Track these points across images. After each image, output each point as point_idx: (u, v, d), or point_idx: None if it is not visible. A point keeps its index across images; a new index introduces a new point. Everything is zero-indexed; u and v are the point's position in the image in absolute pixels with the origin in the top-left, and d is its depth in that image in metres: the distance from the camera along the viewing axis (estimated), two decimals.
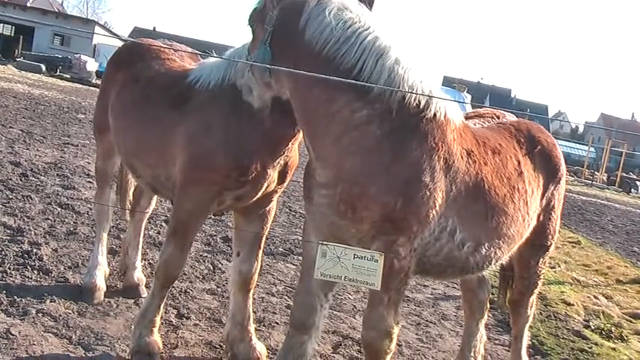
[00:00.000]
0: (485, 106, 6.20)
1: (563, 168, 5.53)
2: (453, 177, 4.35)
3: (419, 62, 4.46)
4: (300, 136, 5.04)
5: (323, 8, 4.27)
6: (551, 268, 11.97)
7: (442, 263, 4.54)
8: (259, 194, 5.30)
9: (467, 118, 5.59)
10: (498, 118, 5.58)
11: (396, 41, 4.36)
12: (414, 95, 4.25)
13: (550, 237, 5.56)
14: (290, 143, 5.11)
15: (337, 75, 4.16)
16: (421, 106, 4.30)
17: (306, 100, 4.38)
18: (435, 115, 4.34)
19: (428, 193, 4.19)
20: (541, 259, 5.63)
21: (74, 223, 8.91)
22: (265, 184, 5.23)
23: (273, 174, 5.22)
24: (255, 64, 4.56)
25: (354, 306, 7.85)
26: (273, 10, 4.45)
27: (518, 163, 4.98)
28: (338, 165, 4.26)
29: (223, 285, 7.58)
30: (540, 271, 5.70)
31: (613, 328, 8.81)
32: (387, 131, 4.20)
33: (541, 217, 5.35)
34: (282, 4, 4.43)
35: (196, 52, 6.46)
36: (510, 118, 5.64)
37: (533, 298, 5.85)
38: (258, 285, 6.43)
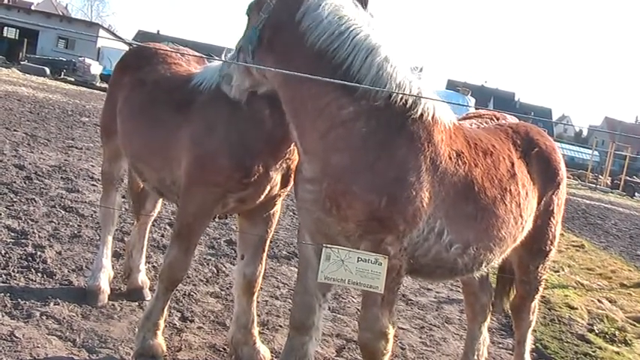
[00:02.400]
0: (489, 110, 6.20)
1: (562, 172, 5.50)
2: (441, 177, 4.36)
3: (410, 61, 4.51)
4: None
5: (321, 3, 4.33)
6: (555, 271, 11.95)
7: (431, 264, 4.56)
8: (262, 197, 5.31)
9: (465, 118, 5.61)
10: (498, 119, 5.56)
11: (388, 40, 4.41)
12: (400, 94, 4.28)
13: (549, 242, 5.53)
14: (293, 145, 5.13)
15: (327, 69, 4.23)
16: (408, 105, 4.32)
17: (295, 93, 4.42)
18: (422, 115, 4.36)
19: (413, 193, 4.21)
20: (541, 264, 5.61)
21: (78, 226, 8.92)
22: (268, 187, 5.24)
23: (276, 177, 5.23)
24: (253, 66, 4.58)
25: (358, 309, 7.82)
26: (271, 0, 4.50)
27: (512, 165, 4.96)
28: (324, 160, 4.29)
29: (227, 288, 7.58)
30: (541, 276, 5.68)
31: (617, 332, 8.80)
32: (373, 129, 4.24)
33: (539, 221, 5.33)
34: None
35: (202, 55, 6.47)
36: (511, 120, 5.63)
37: (535, 303, 5.84)
38: (261, 288, 6.44)
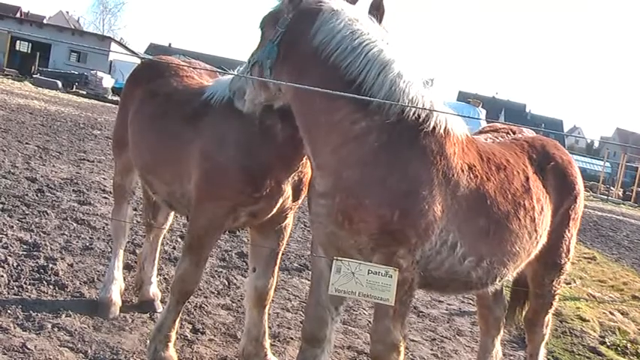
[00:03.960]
0: (500, 122, 6.19)
1: (579, 186, 5.44)
2: (453, 191, 4.35)
3: (423, 76, 4.52)
4: None
5: (336, 17, 4.35)
6: (567, 283, 11.89)
7: (444, 277, 4.54)
8: (274, 210, 5.32)
9: (481, 132, 5.60)
10: (514, 133, 5.55)
11: (400, 55, 4.42)
12: (413, 108, 4.29)
13: (564, 255, 5.48)
14: (304, 159, 5.14)
15: (340, 83, 4.24)
16: (420, 119, 4.32)
17: (307, 107, 4.44)
18: (434, 128, 4.36)
19: (426, 206, 4.20)
20: (556, 278, 5.56)
21: (90, 238, 8.95)
22: (280, 200, 5.26)
23: (287, 190, 5.24)
24: (266, 80, 4.60)
25: (369, 321, 7.81)
26: (288, 14, 4.53)
27: (527, 179, 4.94)
28: (336, 175, 4.29)
29: (238, 300, 7.59)
30: (555, 290, 5.63)
31: (629, 345, 8.78)
32: (385, 143, 4.24)
33: (554, 235, 5.28)
34: (297, 9, 4.50)
35: (215, 69, 6.49)
36: (528, 133, 5.61)
37: (549, 317, 5.80)
38: (273, 300, 6.44)
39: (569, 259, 5.59)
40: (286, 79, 4.48)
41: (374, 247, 4.28)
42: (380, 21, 4.58)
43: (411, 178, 4.24)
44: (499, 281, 4.97)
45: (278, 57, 4.55)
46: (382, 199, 4.18)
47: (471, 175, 4.49)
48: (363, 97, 4.20)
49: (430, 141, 4.33)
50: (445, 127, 4.43)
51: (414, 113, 4.30)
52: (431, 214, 4.22)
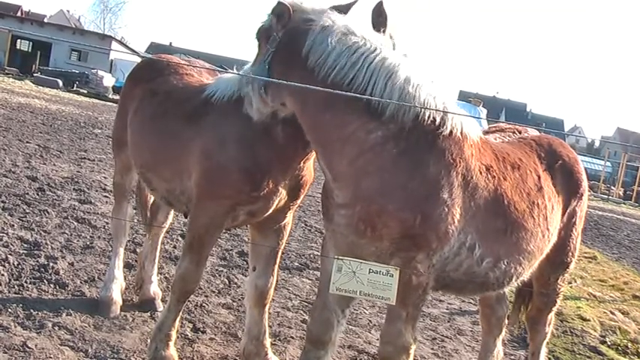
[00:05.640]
0: (501, 121, 6.18)
1: (584, 184, 5.45)
2: (472, 192, 4.33)
3: (431, 78, 4.45)
4: (312, 154, 5.07)
5: (327, 35, 4.26)
6: (568, 283, 11.87)
7: (462, 279, 4.52)
8: (271, 210, 5.33)
9: (488, 132, 5.57)
10: (520, 132, 5.54)
11: (404, 59, 4.33)
12: (427, 113, 4.25)
13: (570, 254, 5.50)
14: (302, 162, 5.14)
15: (346, 100, 4.17)
16: (437, 123, 4.28)
17: (317, 123, 4.37)
18: (451, 131, 4.32)
19: (446, 209, 4.17)
20: (561, 276, 5.57)
21: (90, 237, 8.95)
22: (277, 201, 5.26)
23: (283, 191, 5.25)
24: (271, 79, 4.56)
25: (370, 320, 7.83)
26: (277, 32, 4.47)
27: (539, 178, 4.93)
28: (355, 185, 4.24)
29: (239, 299, 7.58)
30: (559, 289, 5.64)
31: (629, 344, 8.77)
32: (404, 149, 4.19)
33: (562, 234, 5.29)
34: (287, 28, 4.43)
35: (214, 67, 6.49)
36: (532, 132, 5.62)
37: (552, 315, 5.80)
38: (273, 299, 6.43)
39: (574, 257, 5.60)
40: (290, 99, 4.45)
41: (393, 252, 4.24)
42: (384, 26, 4.51)
43: (431, 182, 4.19)
44: (515, 281, 4.95)
45: (273, 76, 4.48)
46: (404, 204, 4.14)
47: (489, 176, 4.47)
48: (369, 97, 4.16)
49: (448, 144, 4.30)
50: (462, 130, 4.41)
51: (428, 117, 4.26)
52: (450, 217, 4.20)
